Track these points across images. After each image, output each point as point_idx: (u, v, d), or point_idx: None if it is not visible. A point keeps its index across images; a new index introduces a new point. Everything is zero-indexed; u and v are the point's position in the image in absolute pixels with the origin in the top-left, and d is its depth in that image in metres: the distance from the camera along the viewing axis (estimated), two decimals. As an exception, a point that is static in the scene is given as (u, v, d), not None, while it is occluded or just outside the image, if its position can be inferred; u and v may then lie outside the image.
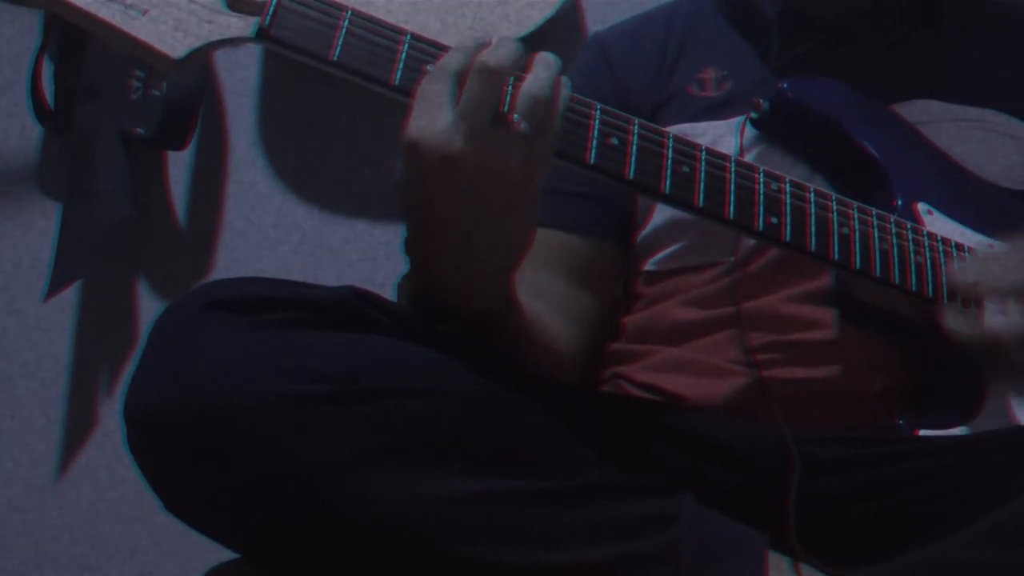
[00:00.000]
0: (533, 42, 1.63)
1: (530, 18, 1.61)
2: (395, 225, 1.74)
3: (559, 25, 1.64)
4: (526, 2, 1.62)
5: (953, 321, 0.93)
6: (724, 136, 1.08)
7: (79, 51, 1.76)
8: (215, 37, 0.83)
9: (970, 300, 0.94)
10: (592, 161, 0.88)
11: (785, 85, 1.04)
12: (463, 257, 0.87)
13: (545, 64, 0.85)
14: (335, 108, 1.74)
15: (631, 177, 0.89)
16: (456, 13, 1.62)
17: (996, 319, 0.92)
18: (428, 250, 0.89)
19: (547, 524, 0.82)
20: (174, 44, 0.81)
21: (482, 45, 0.84)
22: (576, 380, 1.10)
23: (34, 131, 1.86)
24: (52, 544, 1.81)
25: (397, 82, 0.85)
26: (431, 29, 1.60)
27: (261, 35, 0.84)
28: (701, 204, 0.90)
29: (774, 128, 1.05)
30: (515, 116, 0.83)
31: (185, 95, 1.72)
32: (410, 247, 0.91)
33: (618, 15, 1.33)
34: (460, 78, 0.83)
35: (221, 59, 1.78)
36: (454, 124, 0.82)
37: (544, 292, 1.07)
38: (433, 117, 0.82)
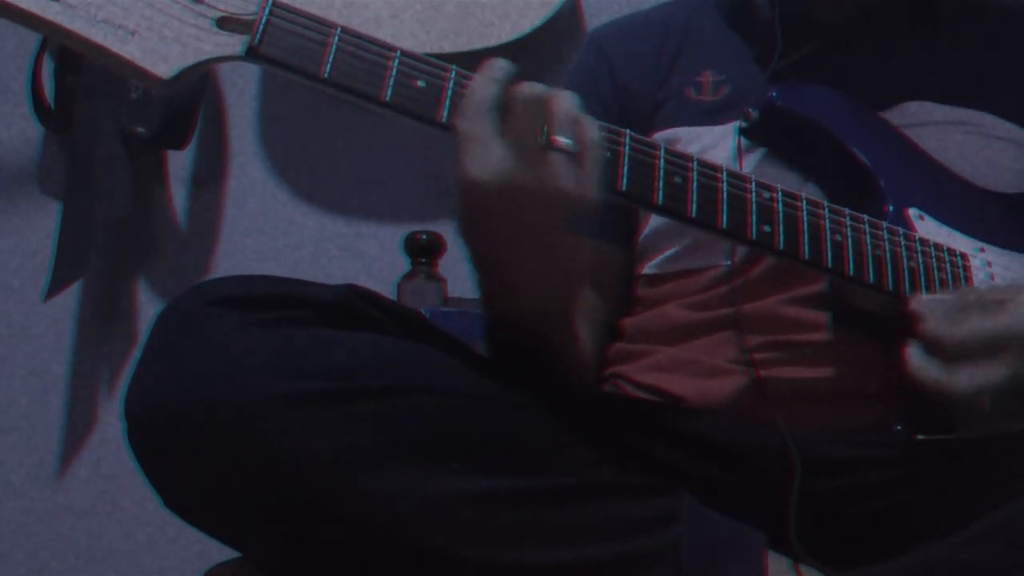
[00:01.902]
0: (533, 42, 1.64)
1: (530, 18, 1.62)
2: (394, 224, 1.74)
3: (559, 25, 1.65)
4: (526, 2, 1.62)
5: (917, 366, 0.89)
6: (719, 142, 1.08)
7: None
8: (204, 56, 0.83)
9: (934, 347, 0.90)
10: None
11: (775, 94, 1.04)
12: (534, 276, 0.89)
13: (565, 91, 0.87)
14: (335, 107, 1.75)
15: (624, 189, 0.89)
16: (459, 14, 1.62)
17: (960, 376, 0.88)
18: (500, 277, 0.90)
19: (547, 524, 0.82)
20: (163, 64, 0.81)
21: (509, 73, 0.86)
22: (593, 383, 1.10)
23: (34, 131, 1.86)
24: (52, 544, 1.81)
25: (388, 98, 0.85)
26: (435, 30, 1.61)
27: (251, 54, 0.84)
28: (694, 215, 0.90)
29: (765, 137, 1.05)
30: (559, 137, 0.84)
31: (185, 95, 1.72)
32: (482, 280, 0.92)
33: (618, 15, 1.33)
34: (499, 109, 0.84)
35: (219, 61, 1.79)
36: (509, 155, 0.83)
37: None
38: (486, 152, 0.83)
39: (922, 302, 0.93)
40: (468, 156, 0.83)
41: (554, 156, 0.83)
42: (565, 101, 0.85)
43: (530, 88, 0.85)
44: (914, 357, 0.90)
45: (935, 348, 0.89)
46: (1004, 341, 0.88)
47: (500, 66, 0.86)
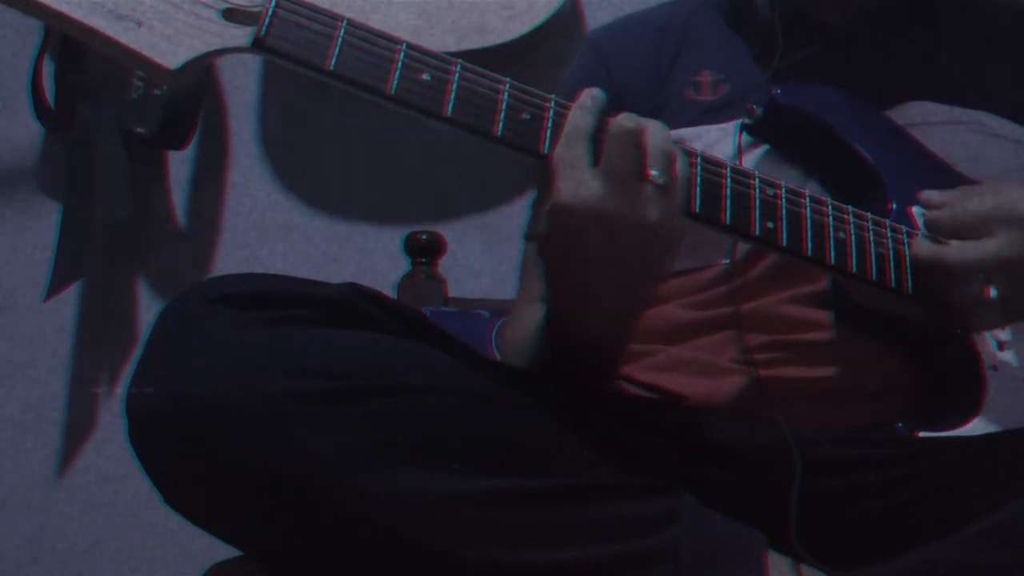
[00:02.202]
0: (533, 42, 1.64)
1: (530, 18, 1.62)
2: (394, 224, 1.74)
3: (559, 25, 1.65)
4: (527, 2, 1.62)
5: (918, 247, 0.97)
6: (720, 140, 1.08)
7: (79, 51, 1.76)
8: (211, 47, 0.83)
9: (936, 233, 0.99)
10: None
11: (778, 91, 1.04)
12: (609, 302, 0.89)
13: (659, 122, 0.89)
14: (336, 107, 1.75)
15: None
16: (459, 13, 1.62)
17: (954, 248, 0.96)
18: (571, 293, 0.90)
19: (547, 524, 0.82)
20: (169, 55, 0.81)
21: (603, 103, 0.87)
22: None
23: (34, 131, 1.87)
24: (52, 544, 1.81)
25: (393, 92, 0.85)
26: (436, 29, 1.61)
27: (257, 45, 0.84)
28: (698, 210, 0.90)
29: (768, 134, 1.05)
30: (651, 170, 0.85)
31: (185, 95, 1.72)
32: (551, 295, 0.93)
33: (618, 15, 1.33)
34: (593, 138, 0.85)
35: (222, 59, 1.79)
36: (604, 184, 0.84)
37: None
38: (581, 179, 0.84)
39: (926, 193, 1.01)
40: (562, 182, 0.84)
41: (645, 188, 0.84)
42: (658, 134, 0.86)
43: (625, 120, 0.86)
44: (917, 242, 0.97)
45: (935, 229, 0.98)
46: (993, 215, 0.96)
47: (595, 96, 0.87)
